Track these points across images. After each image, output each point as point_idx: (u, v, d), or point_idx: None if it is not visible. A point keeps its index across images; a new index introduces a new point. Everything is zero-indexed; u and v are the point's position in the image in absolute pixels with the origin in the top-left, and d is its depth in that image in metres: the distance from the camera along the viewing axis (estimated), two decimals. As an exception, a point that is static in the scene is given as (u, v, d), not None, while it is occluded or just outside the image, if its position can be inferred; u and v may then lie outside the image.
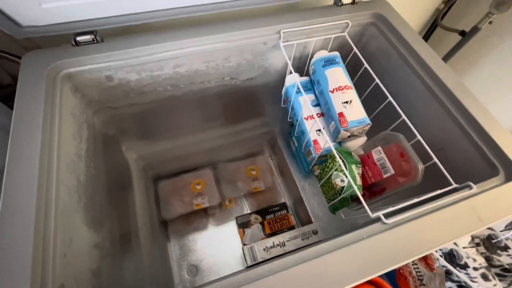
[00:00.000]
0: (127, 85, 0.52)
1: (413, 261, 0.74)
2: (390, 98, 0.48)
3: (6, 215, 0.31)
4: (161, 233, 0.74)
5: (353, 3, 0.57)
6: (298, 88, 0.53)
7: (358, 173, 0.47)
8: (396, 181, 0.45)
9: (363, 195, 0.51)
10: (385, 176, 0.47)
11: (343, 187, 0.47)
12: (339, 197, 0.48)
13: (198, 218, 0.80)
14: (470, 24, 0.74)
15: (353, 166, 0.47)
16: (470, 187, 0.38)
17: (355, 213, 0.53)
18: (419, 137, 0.44)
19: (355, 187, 0.42)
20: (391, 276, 0.75)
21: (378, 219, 0.35)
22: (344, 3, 0.57)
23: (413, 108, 0.52)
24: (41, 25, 0.42)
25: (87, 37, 0.46)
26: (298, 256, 0.31)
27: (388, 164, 0.47)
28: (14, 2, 0.37)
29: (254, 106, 0.74)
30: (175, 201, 0.78)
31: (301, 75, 0.63)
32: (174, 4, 0.46)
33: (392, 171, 0.46)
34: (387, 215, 0.36)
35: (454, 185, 0.39)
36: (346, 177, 0.46)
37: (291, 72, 0.57)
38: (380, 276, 0.74)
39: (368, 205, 0.49)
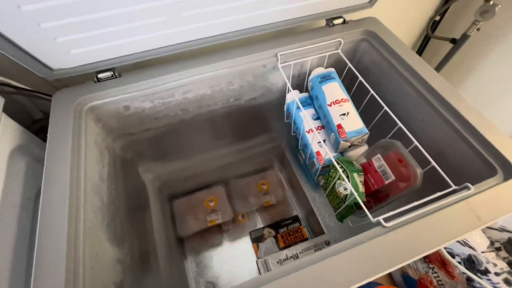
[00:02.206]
0: (142, 112, 0.57)
1: (433, 270, 0.72)
2: (386, 108, 0.51)
3: (44, 231, 0.35)
4: (178, 251, 0.77)
5: (344, 22, 0.61)
6: (298, 104, 0.57)
7: (360, 181, 0.49)
8: (398, 186, 0.47)
9: (368, 202, 0.53)
10: (386, 182, 0.48)
11: (346, 195, 0.49)
12: (344, 205, 0.50)
13: (213, 234, 0.82)
14: (461, 33, 0.76)
15: (355, 174, 0.49)
16: (468, 188, 0.39)
17: (362, 220, 0.54)
18: (416, 142, 0.46)
19: (356, 194, 0.44)
20: None
21: (379, 223, 0.37)
22: (335, 23, 0.61)
23: (409, 115, 0.54)
24: (68, 67, 0.49)
25: (107, 74, 0.52)
26: (301, 261, 0.33)
27: (388, 170, 0.48)
28: (48, 50, 0.44)
29: (260, 123, 0.78)
30: (190, 219, 0.81)
31: (301, 91, 0.67)
32: (181, 39, 0.52)
33: (393, 177, 0.47)
34: (387, 219, 0.37)
35: (453, 187, 0.40)
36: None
37: (290, 90, 0.61)
38: (401, 288, 0.72)
39: (375, 211, 0.51)
